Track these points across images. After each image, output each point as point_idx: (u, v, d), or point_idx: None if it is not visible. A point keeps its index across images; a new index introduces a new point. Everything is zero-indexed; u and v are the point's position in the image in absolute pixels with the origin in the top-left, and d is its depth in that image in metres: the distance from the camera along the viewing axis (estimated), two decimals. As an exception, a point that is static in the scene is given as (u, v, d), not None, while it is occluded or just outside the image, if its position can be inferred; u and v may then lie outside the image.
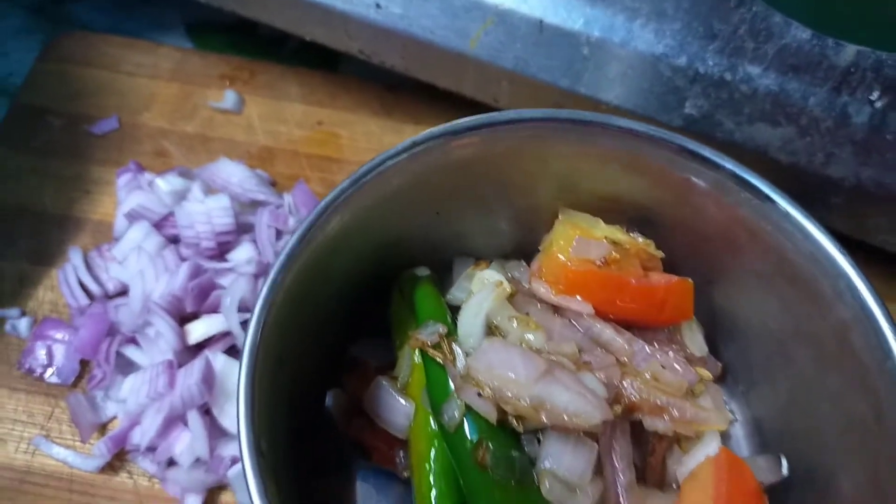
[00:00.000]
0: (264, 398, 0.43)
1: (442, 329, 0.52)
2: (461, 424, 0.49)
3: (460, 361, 0.50)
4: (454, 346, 0.51)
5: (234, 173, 0.77)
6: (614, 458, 0.50)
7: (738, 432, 0.60)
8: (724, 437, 0.59)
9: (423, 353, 0.52)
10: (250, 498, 0.39)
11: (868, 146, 0.67)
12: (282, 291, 0.46)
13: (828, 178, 0.69)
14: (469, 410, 0.49)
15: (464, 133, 0.51)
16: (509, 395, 0.48)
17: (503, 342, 0.51)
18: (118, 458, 0.66)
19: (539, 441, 0.50)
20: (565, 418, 0.47)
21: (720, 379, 0.60)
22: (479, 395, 0.48)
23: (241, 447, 0.40)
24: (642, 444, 0.54)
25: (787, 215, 0.51)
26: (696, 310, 0.59)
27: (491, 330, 0.53)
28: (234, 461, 0.65)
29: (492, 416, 0.48)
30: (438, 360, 0.51)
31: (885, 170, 0.67)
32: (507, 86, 0.74)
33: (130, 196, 0.75)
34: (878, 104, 0.66)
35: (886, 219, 0.70)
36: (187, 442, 0.65)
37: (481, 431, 0.49)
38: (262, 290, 0.44)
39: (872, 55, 0.65)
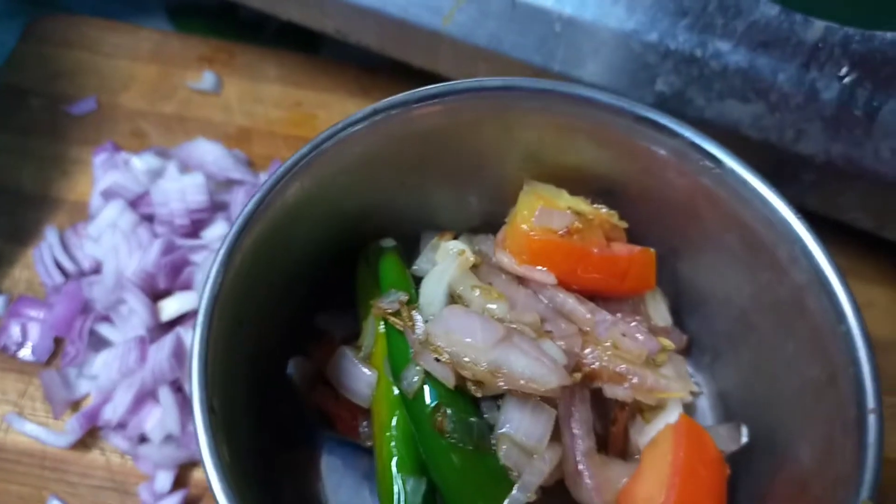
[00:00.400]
0: (219, 357, 0.43)
1: (402, 297, 0.52)
2: (420, 390, 0.49)
3: (419, 328, 0.50)
4: (414, 313, 0.51)
5: (209, 152, 0.77)
6: (573, 425, 0.50)
7: (704, 404, 0.61)
8: (690, 409, 0.59)
9: (386, 322, 0.53)
10: (199, 453, 0.40)
11: (837, 122, 0.68)
12: (239, 253, 0.46)
13: (798, 154, 0.69)
14: (428, 377, 0.49)
15: (425, 101, 0.52)
16: (467, 360, 0.48)
17: (463, 309, 0.51)
18: (90, 435, 0.67)
19: (499, 407, 0.50)
20: (522, 383, 0.47)
21: (686, 351, 0.61)
22: (438, 360, 0.48)
23: (192, 402, 0.40)
24: (605, 415, 0.55)
25: (744, 182, 0.51)
26: (662, 282, 0.60)
27: (454, 299, 0.54)
28: (205, 436, 0.65)
29: (449, 380, 0.48)
30: (399, 327, 0.51)
31: (854, 145, 0.68)
32: (482, 64, 0.75)
33: (106, 175, 0.76)
34: (846, 80, 0.66)
35: (856, 195, 0.71)
36: (158, 418, 0.65)
37: (440, 397, 0.49)
38: (218, 250, 0.45)
39: (840, 31, 0.65)
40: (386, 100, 0.51)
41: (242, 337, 0.48)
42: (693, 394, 0.57)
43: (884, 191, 0.69)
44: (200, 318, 0.43)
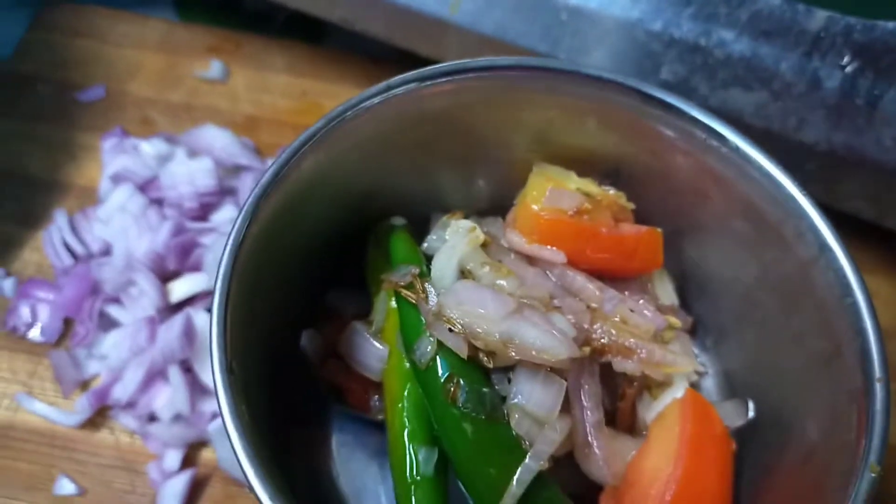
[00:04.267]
0: (237, 323, 0.44)
1: (414, 270, 0.53)
2: (433, 361, 0.50)
3: (432, 299, 0.51)
4: (426, 285, 0.52)
5: (217, 138, 0.78)
6: (582, 397, 0.51)
7: (710, 384, 0.62)
8: (696, 387, 0.60)
9: (397, 296, 0.53)
10: (220, 412, 0.40)
11: (839, 111, 0.69)
12: (256, 224, 0.47)
13: (800, 142, 0.70)
14: (441, 348, 0.50)
15: (437, 78, 0.53)
16: (479, 330, 0.49)
17: (473, 283, 0.52)
18: (100, 415, 0.67)
19: (510, 380, 0.51)
20: (533, 353, 0.48)
21: (691, 333, 0.61)
22: (451, 330, 0.49)
23: (212, 364, 0.41)
24: (614, 391, 0.55)
25: (749, 160, 0.52)
26: (668, 264, 0.60)
27: (464, 275, 0.54)
28: (214, 416, 0.66)
29: (462, 351, 0.49)
30: (411, 299, 0.52)
31: (856, 134, 0.69)
32: (488, 52, 0.75)
33: (115, 159, 0.76)
34: (848, 69, 0.68)
35: (857, 183, 0.72)
36: (168, 397, 0.66)
37: (452, 368, 0.49)
38: (236, 220, 0.45)
39: (842, 21, 0.67)
40: (400, 76, 0.52)
41: (258, 307, 0.48)
42: (699, 373, 0.58)
43: (885, 179, 0.70)
44: (219, 282, 0.43)
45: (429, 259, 0.57)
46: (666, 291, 0.59)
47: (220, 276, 0.44)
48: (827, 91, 0.68)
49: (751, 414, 0.55)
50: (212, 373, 0.41)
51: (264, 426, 0.48)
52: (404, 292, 0.52)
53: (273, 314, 0.52)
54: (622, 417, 0.55)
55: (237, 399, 0.41)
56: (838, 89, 0.68)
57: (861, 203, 0.74)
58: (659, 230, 0.58)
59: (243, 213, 0.46)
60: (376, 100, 0.51)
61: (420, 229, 0.62)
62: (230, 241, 0.45)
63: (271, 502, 0.39)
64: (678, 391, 0.54)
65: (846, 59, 0.68)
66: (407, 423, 0.51)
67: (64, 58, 0.86)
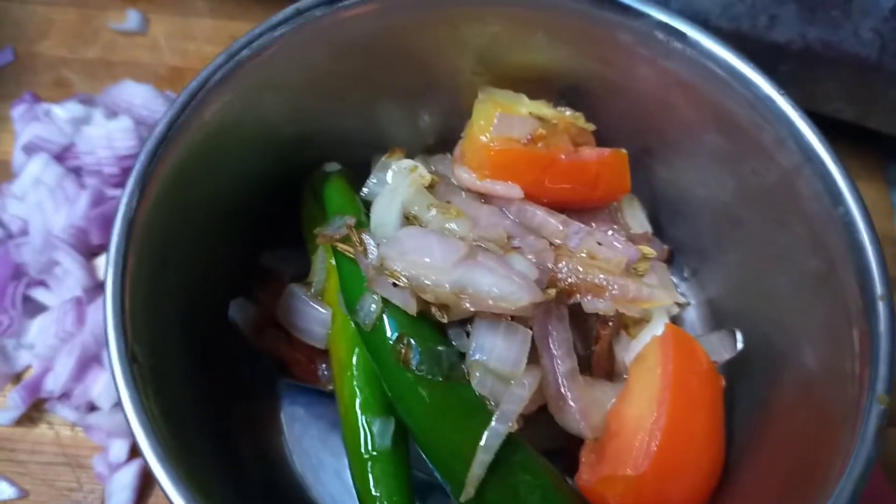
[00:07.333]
0: (141, 300, 0.38)
1: (350, 220, 0.47)
2: (379, 321, 0.44)
3: (372, 252, 0.45)
4: (364, 236, 0.46)
5: (137, 94, 0.71)
6: (551, 345, 0.45)
7: (692, 316, 0.57)
8: (678, 322, 0.55)
9: (335, 251, 0.47)
10: (121, 408, 0.34)
11: (812, 4, 0.63)
12: (156, 182, 0.40)
13: (773, 42, 0.64)
14: (387, 305, 0.44)
15: (354, -2, 0.46)
16: (427, 282, 0.43)
17: (419, 228, 0.46)
18: (36, 409, 0.62)
19: (468, 334, 0.45)
20: (490, 302, 0.43)
21: (668, 263, 0.56)
22: (395, 285, 0.43)
23: (108, 352, 0.35)
24: (587, 335, 0.50)
25: (719, 61, 0.46)
26: (638, 188, 0.55)
27: (409, 222, 0.48)
28: (160, 399, 0.60)
29: (411, 307, 0.43)
30: (349, 254, 0.46)
31: (831, 28, 0.63)
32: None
33: (27, 128, 0.69)
34: (821, -45, 0.61)
35: (837, 83, 0.66)
36: (105, 383, 0.60)
37: (401, 326, 0.44)
38: (127, 179, 0.39)
39: None
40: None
41: (171, 278, 0.42)
42: (680, 305, 0.53)
43: (866, 75, 0.65)
44: (111, 256, 0.37)
45: (370, 206, 0.51)
46: (637, 219, 0.54)
47: (113, 249, 0.37)
48: (798, -18, 0.62)
49: (740, 345, 0.49)
50: (108, 362, 0.35)
51: (193, 405, 0.43)
52: (340, 246, 0.46)
53: (195, 283, 0.46)
54: (598, 362, 0.49)
55: (142, 391, 0.35)
56: (810, -21, 0.62)
57: (841, 104, 0.69)
58: (624, 151, 0.52)
59: (134, 173, 0.39)
60: (286, 28, 0.45)
61: (363, 175, 0.56)
62: (122, 208, 0.38)
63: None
64: (658, 328, 0.49)
65: (817, -55, 0.61)
66: (358, 393, 0.45)
67: (-36, 22, 0.79)
